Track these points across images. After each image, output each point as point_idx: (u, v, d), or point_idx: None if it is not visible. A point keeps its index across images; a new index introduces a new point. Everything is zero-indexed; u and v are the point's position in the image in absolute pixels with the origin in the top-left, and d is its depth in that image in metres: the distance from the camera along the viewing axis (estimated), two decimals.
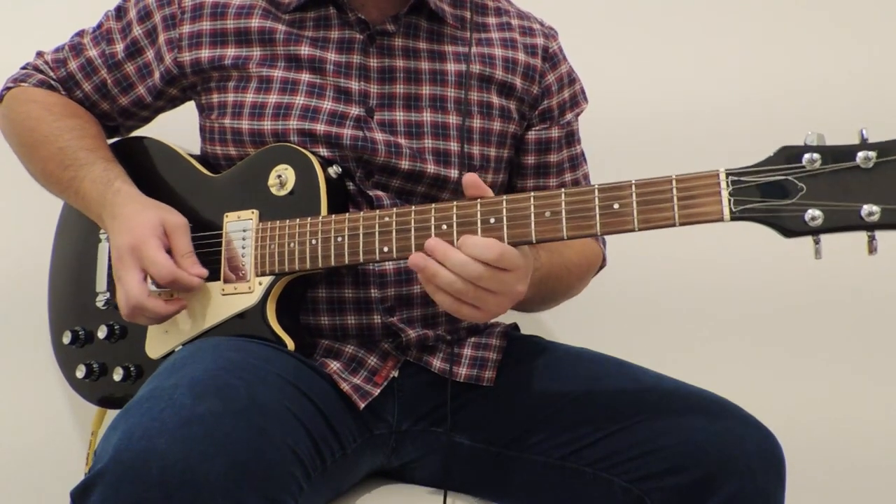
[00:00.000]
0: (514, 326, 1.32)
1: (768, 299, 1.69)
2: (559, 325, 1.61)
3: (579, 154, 1.35)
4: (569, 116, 1.32)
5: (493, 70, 1.24)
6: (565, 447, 1.10)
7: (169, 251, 1.09)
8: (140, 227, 1.08)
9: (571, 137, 1.33)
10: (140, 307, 1.08)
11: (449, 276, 0.94)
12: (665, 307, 1.70)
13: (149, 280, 1.09)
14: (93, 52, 1.26)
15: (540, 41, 1.29)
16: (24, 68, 1.31)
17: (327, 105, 1.16)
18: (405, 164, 1.16)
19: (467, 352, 1.21)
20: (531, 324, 1.46)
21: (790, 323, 1.71)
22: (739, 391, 1.15)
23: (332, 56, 1.18)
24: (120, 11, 1.26)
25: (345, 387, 1.10)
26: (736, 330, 1.71)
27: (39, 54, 1.31)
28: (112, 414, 1.19)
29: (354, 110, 1.16)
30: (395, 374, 1.16)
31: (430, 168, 1.17)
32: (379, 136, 1.15)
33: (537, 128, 1.29)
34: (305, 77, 1.17)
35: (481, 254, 0.93)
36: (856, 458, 1.68)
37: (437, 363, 1.18)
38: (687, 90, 1.73)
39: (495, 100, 1.23)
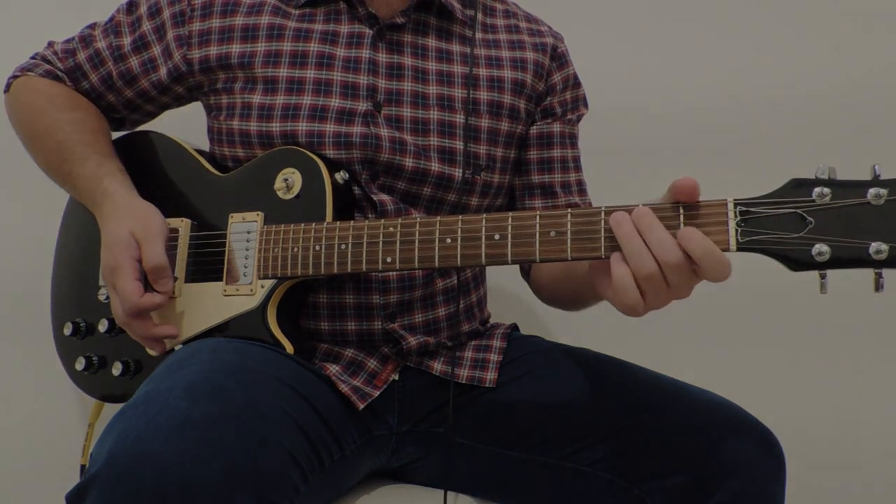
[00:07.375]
0: (514, 327, 1.32)
1: (769, 299, 1.69)
2: (559, 325, 1.61)
3: (579, 158, 1.34)
4: (571, 117, 1.31)
5: (502, 70, 1.23)
6: (565, 447, 1.11)
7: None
8: (115, 247, 1.07)
9: (574, 139, 1.32)
10: (128, 325, 1.09)
11: (639, 245, 0.87)
12: (665, 307, 1.69)
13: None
14: (101, 44, 1.26)
15: (549, 40, 1.30)
16: (33, 58, 1.30)
17: (335, 102, 1.15)
18: (409, 161, 1.15)
19: (468, 354, 1.21)
20: (531, 324, 1.46)
21: (790, 323, 1.71)
22: (739, 391, 1.14)
23: (341, 52, 1.17)
24: (131, 6, 1.26)
25: (343, 388, 1.10)
26: (736, 330, 1.71)
27: (50, 44, 1.31)
28: (110, 407, 1.20)
29: (362, 105, 1.15)
30: (396, 377, 1.17)
31: (435, 166, 1.17)
32: (384, 132, 1.15)
33: (539, 123, 1.28)
34: (311, 74, 1.16)
35: (693, 248, 0.85)
36: (855, 459, 1.69)
37: (438, 366, 1.18)
38: (688, 94, 1.72)
39: (507, 99, 1.23)
